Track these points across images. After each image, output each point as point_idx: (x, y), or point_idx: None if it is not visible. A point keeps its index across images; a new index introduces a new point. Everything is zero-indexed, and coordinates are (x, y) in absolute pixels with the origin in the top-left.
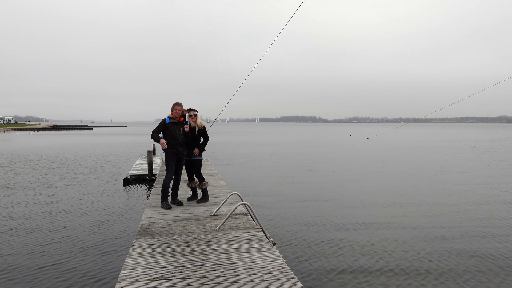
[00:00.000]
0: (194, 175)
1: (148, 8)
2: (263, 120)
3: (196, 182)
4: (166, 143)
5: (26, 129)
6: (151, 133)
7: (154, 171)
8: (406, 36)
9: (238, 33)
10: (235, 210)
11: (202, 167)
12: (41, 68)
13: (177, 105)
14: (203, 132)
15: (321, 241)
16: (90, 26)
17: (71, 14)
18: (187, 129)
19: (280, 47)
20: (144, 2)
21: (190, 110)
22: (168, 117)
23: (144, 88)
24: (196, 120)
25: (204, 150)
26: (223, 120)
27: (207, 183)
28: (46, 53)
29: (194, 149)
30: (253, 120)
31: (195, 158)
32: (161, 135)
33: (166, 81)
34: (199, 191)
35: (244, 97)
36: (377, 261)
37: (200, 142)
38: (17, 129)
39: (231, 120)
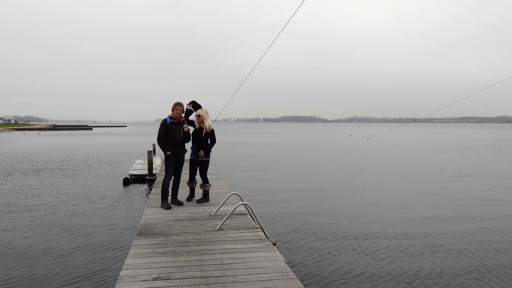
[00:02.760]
0: (198, 175)
1: (151, 9)
2: (264, 120)
3: (197, 183)
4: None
5: (27, 129)
6: (157, 138)
7: (154, 171)
8: (408, 37)
9: (244, 33)
10: (235, 210)
11: None
12: (41, 68)
13: (178, 105)
14: (210, 135)
15: (321, 241)
16: (93, 26)
17: (74, 15)
18: (186, 129)
19: (287, 48)
20: (148, 3)
21: (195, 104)
22: (169, 117)
23: (144, 88)
24: (202, 121)
25: (210, 151)
26: (228, 120)
27: (210, 185)
28: (46, 53)
29: (200, 150)
30: (254, 120)
31: (202, 159)
32: None
33: (168, 81)
34: (200, 191)
35: (245, 97)
36: (378, 261)
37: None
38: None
39: (226, 120)
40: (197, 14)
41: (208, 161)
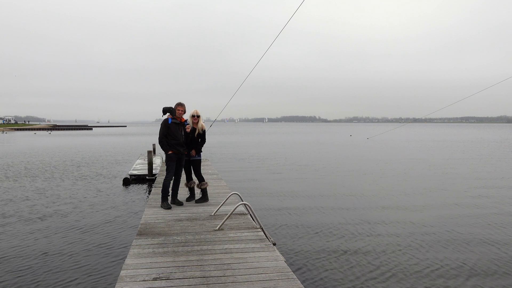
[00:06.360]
0: (193, 175)
1: (158, 11)
2: (268, 120)
3: (194, 182)
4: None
5: (37, 129)
6: (159, 138)
7: (154, 171)
8: (409, 37)
9: (254, 34)
10: (235, 210)
11: (202, 167)
12: (42, 68)
13: (179, 105)
14: (202, 135)
15: (321, 241)
16: (98, 27)
17: (78, 16)
18: (188, 130)
19: (288, 47)
20: (155, 5)
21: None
22: (170, 117)
23: (148, 89)
24: (197, 122)
25: (201, 151)
26: (233, 120)
27: (206, 183)
28: (47, 54)
29: (191, 150)
30: (254, 120)
31: (194, 158)
32: None
33: (173, 82)
34: (198, 191)
35: (246, 97)
36: (378, 262)
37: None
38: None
39: (231, 120)
40: (204, 16)
41: (200, 160)
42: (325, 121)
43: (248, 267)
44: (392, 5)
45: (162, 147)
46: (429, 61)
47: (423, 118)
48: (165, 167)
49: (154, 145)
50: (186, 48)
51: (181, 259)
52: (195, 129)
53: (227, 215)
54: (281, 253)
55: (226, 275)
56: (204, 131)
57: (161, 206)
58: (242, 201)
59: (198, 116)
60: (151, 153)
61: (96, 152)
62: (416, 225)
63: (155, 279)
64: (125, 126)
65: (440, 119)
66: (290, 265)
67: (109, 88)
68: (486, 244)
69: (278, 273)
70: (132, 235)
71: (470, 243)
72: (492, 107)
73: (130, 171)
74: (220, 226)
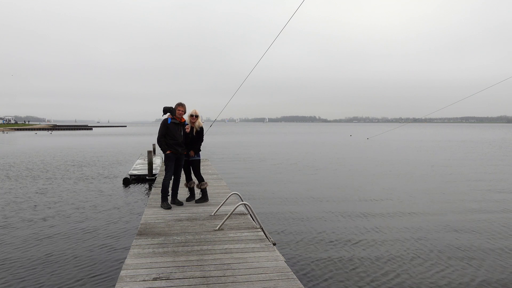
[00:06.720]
0: (193, 175)
1: (159, 11)
2: (269, 120)
3: (194, 182)
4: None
5: (38, 129)
6: (157, 137)
7: (154, 171)
8: (409, 38)
9: (255, 34)
10: (235, 210)
11: (202, 167)
12: (43, 68)
13: (180, 105)
14: (200, 133)
15: (321, 241)
16: (99, 28)
17: (80, 15)
18: (188, 130)
19: (289, 47)
20: (156, 5)
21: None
22: (170, 117)
23: (148, 89)
24: (196, 122)
25: (200, 150)
26: (232, 120)
27: (206, 183)
28: (48, 54)
29: (190, 151)
30: (254, 120)
31: (193, 158)
32: None
33: (174, 82)
34: (197, 191)
35: (246, 97)
36: (378, 261)
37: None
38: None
39: (231, 120)
40: (204, 16)
41: (199, 160)
42: (325, 121)
43: (248, 267)
44: (392, 5)
45: (160, 147)
46: (429, 61)
47: (423, 118)
48: (164, 167)
49: (154, 145)
50: (186, 48)
51: (181, 259)
52: (193, 128)
53: (227, 215)
54: (281, 253)
55: (226, 275)
56: (201, 128)
57: (161, 206)
58: (242, 201)
59: (197, 116)
60: (151, 153)
61: (96, 152)
62: (419, 227)
63: (155, 279)
64: (125, 126)
65: (440, 119)
66: (290, 265)
67: (109, 88)
68: (494, 249)
69: (278, 273)
70: (132, 235)
71: (478, 248)
72: (492, 107)
73: (130, 171)
74: (220, 226)
